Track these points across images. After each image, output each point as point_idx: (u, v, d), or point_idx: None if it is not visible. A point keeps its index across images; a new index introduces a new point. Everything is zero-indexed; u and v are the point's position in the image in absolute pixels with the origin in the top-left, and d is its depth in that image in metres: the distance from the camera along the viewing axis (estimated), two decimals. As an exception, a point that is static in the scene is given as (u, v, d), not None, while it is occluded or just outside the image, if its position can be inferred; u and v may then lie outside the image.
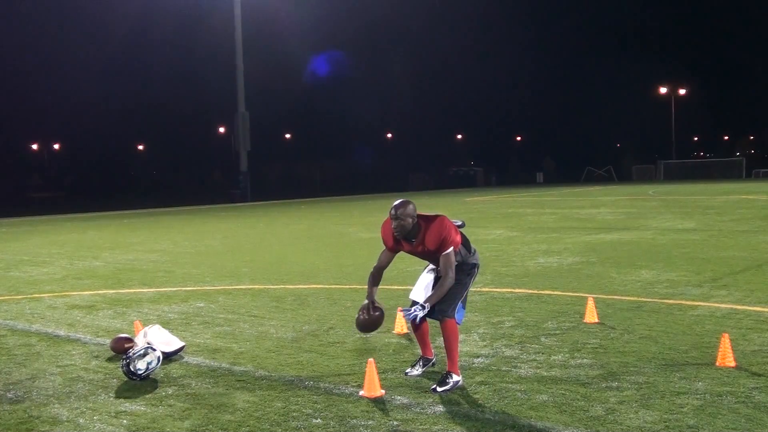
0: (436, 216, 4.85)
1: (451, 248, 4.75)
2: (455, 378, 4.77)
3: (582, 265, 10.35)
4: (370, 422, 4.14)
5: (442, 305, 4.76)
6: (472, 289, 8.55)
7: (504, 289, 8.49)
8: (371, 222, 21.67)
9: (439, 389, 4.68)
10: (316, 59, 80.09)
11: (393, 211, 4.77)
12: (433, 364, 5.22)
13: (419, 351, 5.33)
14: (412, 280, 9.41)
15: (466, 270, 4.96)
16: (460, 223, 5.08)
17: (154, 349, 5.28)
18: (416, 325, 5.04)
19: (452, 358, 4.80)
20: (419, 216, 4.84)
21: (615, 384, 4.70)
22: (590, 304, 6.70)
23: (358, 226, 20.16)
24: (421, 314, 4.66)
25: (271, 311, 7.61)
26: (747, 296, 7.57)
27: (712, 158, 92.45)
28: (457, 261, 4.85)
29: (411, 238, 4.85)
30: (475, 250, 5.09)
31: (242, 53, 44.57)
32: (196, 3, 52.07)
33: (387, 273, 10.07)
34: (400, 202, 4.83)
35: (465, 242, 4.96)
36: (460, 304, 4.87)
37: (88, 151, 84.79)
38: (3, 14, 73.38)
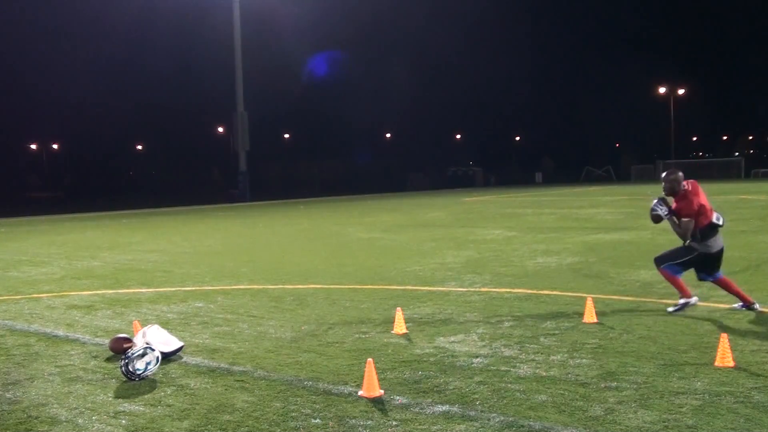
0: (691, 191, 6.71)
1: (685, 218, 6.69)
2: (682, 300, 6.73)
3: (581, 265, 10.35)
4: (369, 422, 4.14)
5: (659, 256, 6.98)
6: (471, 289, 8.58)
7: (503, 289, 8.49)
8: (370, 222, 21.67)
9: (670, 309, 6.74)
10: (315, 59, 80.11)
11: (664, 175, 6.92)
12: (749, 307, 6.76)
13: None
14: (412, 280, 9.42)
15: (686, 248, 6.78)
16: (722, 219, 6.77)
17: (153, 349, 5.28)
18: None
19: (677, 290, 6.82)
20: (688, 183, 6.79)
21: (614, 384, 4.70)
22: (589, 304, 6.70)
23: (357, 226, 20.16)
24: (660, 212, 6.88)
25: (270, 311, 7.61)
26: (746, 296, 7.56)
27: (711, 158, 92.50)
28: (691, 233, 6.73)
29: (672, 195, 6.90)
30: (710, 245, 6.66)
31: (241, 53, 44.57)
32: (195, 3, 52.05)
33: (386, 273, 10.12)
34: (670, 170, 6.91)
35: (704, 230, 6.64)
36: (675, 265, 6.79)
37: (87, 151, 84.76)
38: (2, 14, 73.34)
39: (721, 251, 6.78)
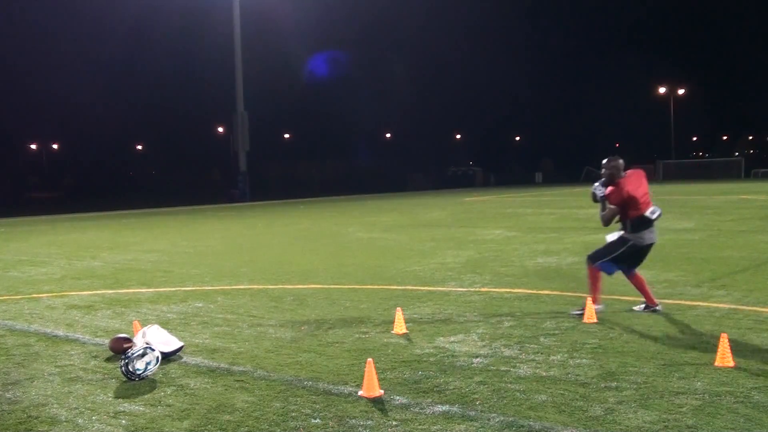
0: (624, 180, 6.72)
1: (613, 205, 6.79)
2: (589, 304, 6.62)
3: (581, 265, 10.33)
4: (369, 422, 4.14)
5: (593, 253, 6.99)
6: (471, 289, 8.57)
7: (503, 289, 8.49)
8: (370, 222, 21.66)
9: (572, 311, 6.84)
10: (315, 59, 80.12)
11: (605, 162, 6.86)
12: (655, 311, 6.83)
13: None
14: (412, 280, 9.42)
15: (620, 240, 6.85)
16: (657, 213, 6.80)
17: (153, 349, 5.28)
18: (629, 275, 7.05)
19: (593, 292, 6.80)
20: (630, 172, 6.84)
21: (614, 384, 4.70)
22: (589, 304, 6.70)
23: (356, 226, 20.16)
24: (597, 192, 6.90)
25: (270, 311, 7.61)
26: (746, 296, 7.58)
27: (711, 158, 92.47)
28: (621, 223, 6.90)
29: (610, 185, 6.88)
30: (641, 237, 6.74)
31: (241, 53, 44.58)
32: (195, 3, 52.06)
33: (386, 272, 10.12)
34: (611, 158, 6.85)
35: (634, 221, 6.76)
36: (610, 261, 6.84)
37: (87, 151, 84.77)
38: (2, 14, 73.33)
39: (650, 246, 6.88)
